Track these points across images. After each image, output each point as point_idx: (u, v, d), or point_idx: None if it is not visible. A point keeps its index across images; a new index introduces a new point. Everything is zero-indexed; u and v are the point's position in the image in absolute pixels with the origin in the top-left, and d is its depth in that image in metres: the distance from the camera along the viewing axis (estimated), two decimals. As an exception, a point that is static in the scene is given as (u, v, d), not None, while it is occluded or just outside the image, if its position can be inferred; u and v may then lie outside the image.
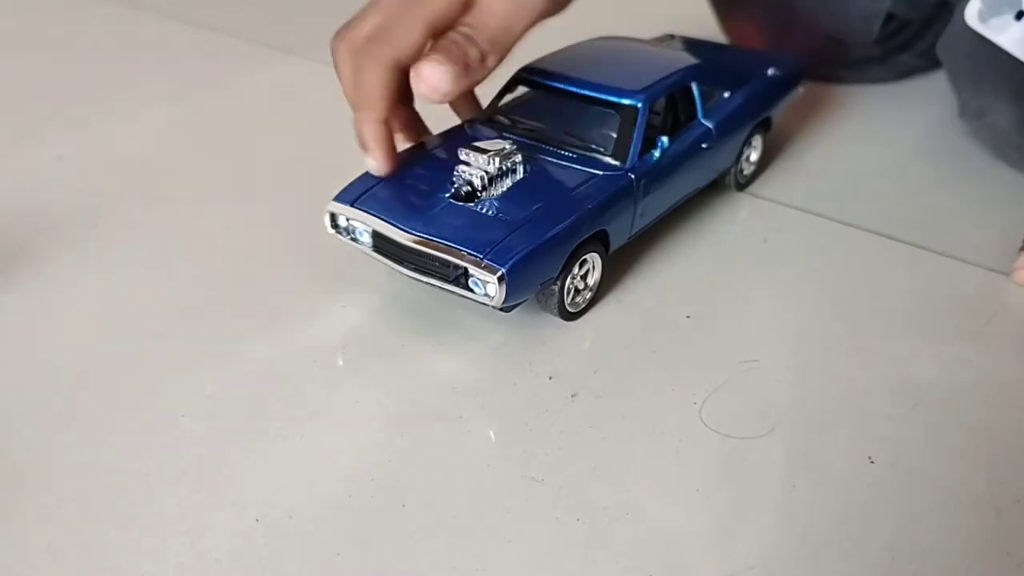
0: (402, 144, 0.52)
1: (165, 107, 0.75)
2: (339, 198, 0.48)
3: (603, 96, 0.51)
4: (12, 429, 0.43)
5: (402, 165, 0.50)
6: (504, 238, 0.44)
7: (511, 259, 0.43)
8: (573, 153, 0.51)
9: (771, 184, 0.63)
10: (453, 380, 0.46)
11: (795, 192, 0.62)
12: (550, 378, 0.46)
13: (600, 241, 0.49)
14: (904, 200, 0.61)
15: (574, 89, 0.52)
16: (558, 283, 0.47)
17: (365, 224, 0.47)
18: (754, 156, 0.62)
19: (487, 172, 0.47)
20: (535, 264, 0.45)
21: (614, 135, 0.51)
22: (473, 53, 0.45)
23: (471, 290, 0.45)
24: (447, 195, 0.47)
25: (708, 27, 0.78)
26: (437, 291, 0.47)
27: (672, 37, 0.68)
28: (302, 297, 0.52)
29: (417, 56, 0.46)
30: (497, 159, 0.47)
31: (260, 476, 0.40)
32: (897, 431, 0.43)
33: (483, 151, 0.47)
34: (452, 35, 0.46)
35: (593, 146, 0.51)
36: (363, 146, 0.48)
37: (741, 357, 0.47)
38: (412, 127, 0.53)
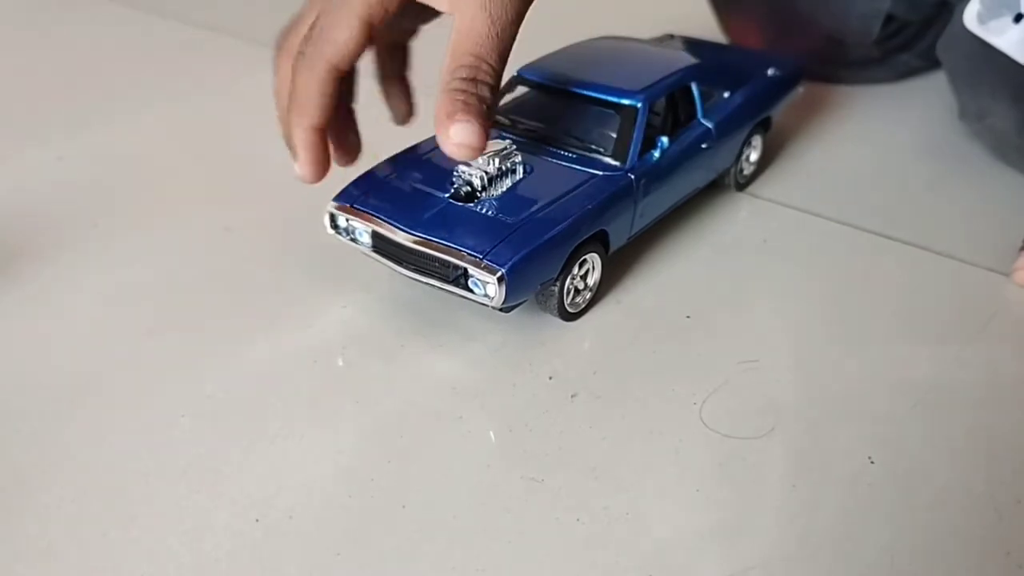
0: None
1: (165, 107, 0.75)
2: (339, 199, 0.48)
3: (603, 96, 0.51)
4: (12, 429, 0.43)
5: (402, 165, 0.50)
6: (504, 239, 0.44)
7: (511, 260, 0.43)
8: (573, 153, 0.51)
9: (771, 184, 0.63)
10: (453, 380, 0.46)
11: (795, 192, 0.62)
12: (550, 378, 0.46)
13: (600, 241, 0.49)
14: (904, 200, 0.61)
15: (574, 89, 0.52)
16: (558, 283, 0.47)
17: (365, 225, 0.47)
18: (754, 156, 0.62)
19: (487, 172, 0.47)
20: (535, 264, 0.45)
21: (614, 135, 0.51)
22: (485, 91, 0.43)
23: (471, 290, 0.45)
24: (447, 195, 0.47)
25: (708, 27, 0.78)
26: (437, 291, 0.47)
27: (672, 37, 0.68)
28: (302, 297, 0.52)
29: (355, 59, 0.44)
30: (497, 159, 0.47)
31: (260, 476, 0.40)
32: (897, 431, 0.43)
33: (482, 152, 0.47)
34: (455, 83, 0.43)
35: (593, 146, 0.51)
36: (292, 153, 0.46)
37: (741, 357, 0.47)
38: (344, 142, 0.50)
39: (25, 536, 0.38)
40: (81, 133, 0.70)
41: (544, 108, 0.53)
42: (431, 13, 0.46)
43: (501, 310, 0.46)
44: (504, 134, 0.52)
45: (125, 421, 0.43)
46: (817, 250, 0.56)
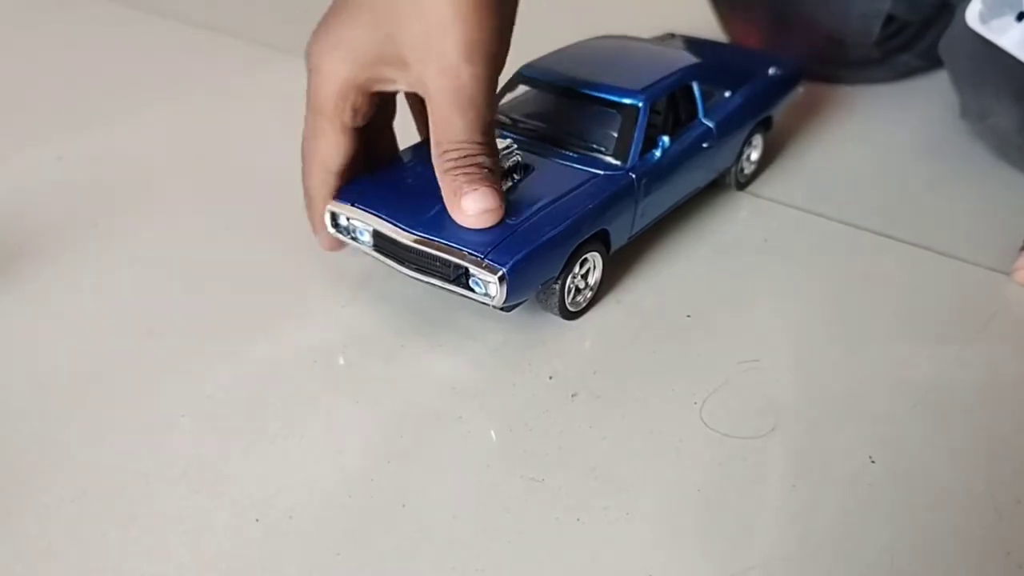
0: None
1: (165, 107, 0.75)
2: (340, 197, 0.48)
3: (604, 95, 0.51)
4: (12, 429, 0.43)
5: (403, 164, 0.50)
6: (505, 238, 0.44)
7: (512, 259, 0.43)
8: (574, 152, 0.51)
9: (771, 184, 0.63)
10: (453, 380, 0.46)
11: (795, 192, 0.62)
12: (550, 378, 0.46)
13: (601, 240, 0.49)
14: (904, 200, 0.61)
15: (575, 88, 0.52)
16: (559, 282, 0.47)
17: (366, 223, 0.47)
18: (755, 155, 0.62)
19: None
20: (536, 264, 0.45)
21: (615, 134, 0.51)
22: (480, 159, 0.44)
23: (472, 290, 0.44)
24: None
25: (708, 27, 0.78)
26: (437, 291, 0.47)
27: (672, 36, 0.68)
28: (302, 297, 0.52)
29: (345, 159, 0.47)
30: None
31: (260, 476, 0.40)
32: (897, 431, 0.43)
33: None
34: (447, 164, 0.43)
35: (594, 145, 0.51)
36: (312, 227, 0.50)
37: (741, 357, 0.47)
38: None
39: (25, 536, 0.38)
40: (81, 133, 0.70)
41: (545, 107, 0.53)
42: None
43: (502, 309, 0.46)
44: (505, 133, 0.52)
45: (125, 421, 0.43)
46: (817, 250, 0.56)
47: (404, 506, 0.39)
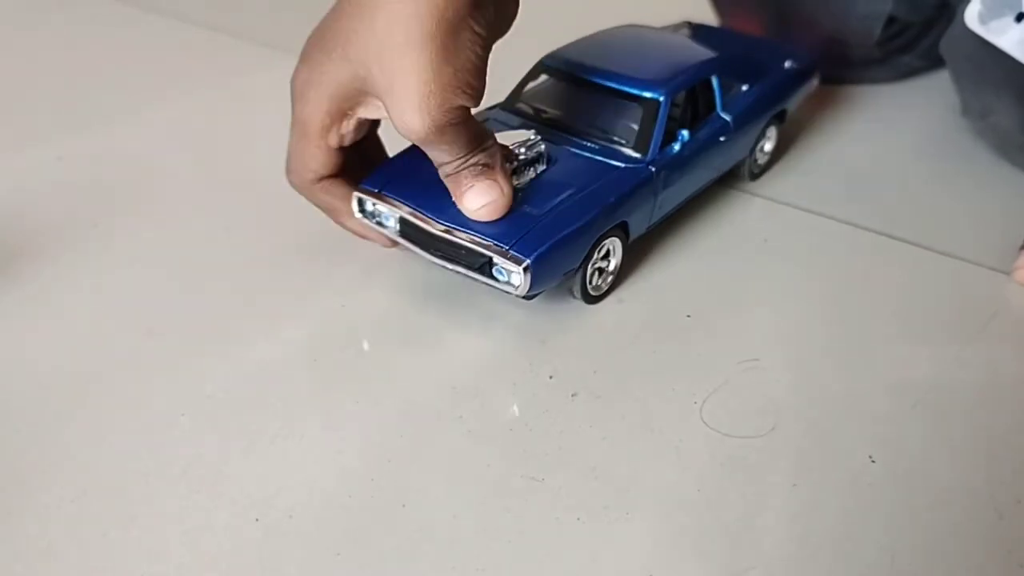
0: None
1: (165, 107, 0.75)
2: (367, 183, 0.49)
3: (626, 88, 0.51)
4: (12, 429, 0.43)
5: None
6: (529, 230, 0.45)
7: (536, 250, 0.44)
8: (595, 144, 0.51)
9: (772, 183, 0.63)
10: (453, 380, 0.46)
11: (796, 191, 0.62)
12: (550, 378, 0.46)
13: (621, 229, 0.50)
14: (905, 199, 0.61)
15: (597, 80, 0.52)
16: (580, 271, 0.48)
17: (392, 210, 0.47)
18: (768, 146, 0.63)
19: (512, 163, 0.47)
20: (559, 255, 0.45)
21: (636, 127, 0.51)
22: (476, 159, 0.44)
23: (495, 279, 0.45)
24: None
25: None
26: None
27: (688, 24, 0.68)
28: (302, 297, 0.52)
29: (334, 171, 0.48)
30: (522, 149, 0.47)
31: (260, 476, 0.40)
32: (897, 431, 0.43)
33: (508, 141, 0.47)
34: (444, 171, 0.44)
35: (615, 138, 0.51)
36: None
37: (741, 357, 0.47)
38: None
39: (25, 536, 0.38)
40: (81, 133, 0.70)
41: (567, 97, 0.54)
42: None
43: (524, 298, 0.46)
44: (528, 123, 0.52)
45: (125, 421, 0.43)
46: (818, 249, 0.56)
47: (404, 506, 0.39)
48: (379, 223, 0.49)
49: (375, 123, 0.51)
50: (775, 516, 0.39)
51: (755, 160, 0.62)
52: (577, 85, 0.53)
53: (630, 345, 0.48)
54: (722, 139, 0.56)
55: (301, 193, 0.49)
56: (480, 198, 0.45)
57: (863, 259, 0.56)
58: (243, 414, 0.44)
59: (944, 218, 0.59)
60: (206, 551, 0.37)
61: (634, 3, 0.83)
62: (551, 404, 0.44)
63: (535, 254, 0.44)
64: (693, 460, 0.41)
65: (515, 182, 0.47)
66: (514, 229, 0.45)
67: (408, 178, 0.48)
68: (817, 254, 0.56)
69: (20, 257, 0.55)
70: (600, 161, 0.50)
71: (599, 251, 0.49)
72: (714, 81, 0.55)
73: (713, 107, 0.56)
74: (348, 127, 0.46)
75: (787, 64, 0.63)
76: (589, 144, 0.51)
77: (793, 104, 0.64)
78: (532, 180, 0.48)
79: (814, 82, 0.66)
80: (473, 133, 0.44)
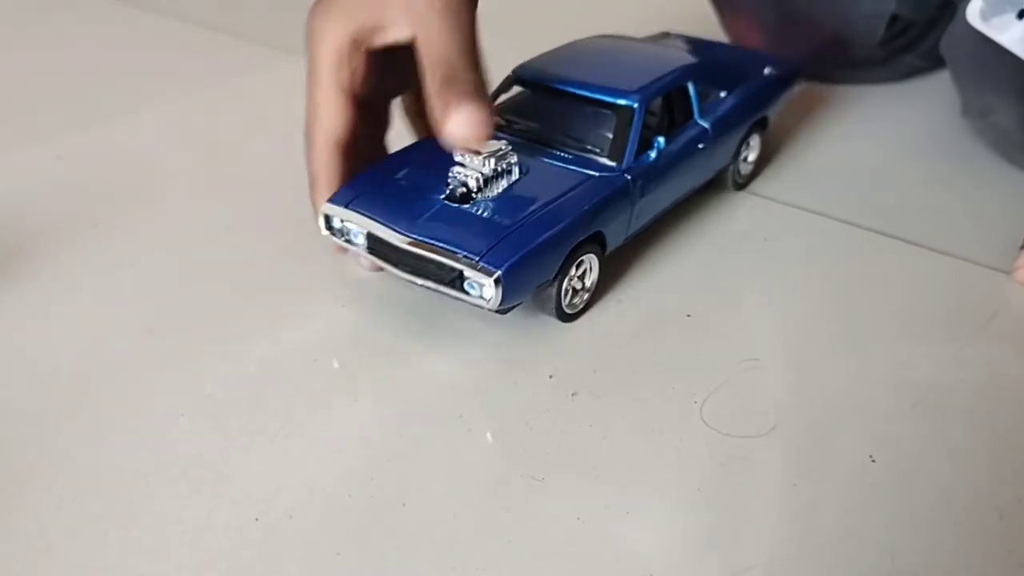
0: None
1: (165, 107, 0.75)
2: (334, 200, 0.48)
3: (599, 96, 0.51)
4: (12, 429, 0.43)
5: (397, 166, 0.50)
6: (500, 240, 0.44)
7: (507, 261, 0.43)
8: (569, 153, 0.51)
9: (771, 183, 0.63)
10: (453, 379, 0.46)
11: (795, 191, 0.62)
12: (550, 377, 0.46)
13: (597, 242, 0.49)
14: (905, 198, 0.61)
15: (569, 89, 0.52)
16: (555, 285, 0.47)
17: (359, 226, 0.47)
18: (752, 156, 0.62)
19: (482, 173, 0.46)
20: (531, 266, 0.44)
21: (610, 135, 0.51)
22: (472, 76, 0.44)
23: (467, 292, 0.44)
24: (442, 197, 0.47)
25: (709, 27, 0.78)
26: (434, 291, 0.47)
27: (667, 35, 0.68)
28: (302, 297, 0.52)
29: (349, 130, 0.48)
30: (492, 160, 0.46)
31: (260, 476, 0.40)
32: (897, 431, 0.43)
33: (478, 152, 0.46)
34: (437, 83, 0.44)
35: (589, 146, 0.51)
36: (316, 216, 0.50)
37: (741, 356, 0.47)
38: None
39: (25, 536, 0.38)
40: (81, 132, 0.70)
41: (539, 108, 0.53)
42: (405, 63, 0.47)
43: (497, 312, 0.46)
44: (499, 134, 0.51)
45: (125, 421, 0.43)
46: (818, 249, 0.56)
47: (404, 506, 0.39)
48: (348, 241, 0.48)
49: (382, 129, 0.51)
50: (775, 516, 0.39)
51: (738, 170, 0.61)
52: (550, 95, 0.52)
53: (630, 345, 0.48)
54: (701, 146, 0.55)
55: (318, 182, 0.49)
56: (469, 118, 0.43)
57: (863, 259, 0.56)
58: (243, 414, 0.44)
59: (944, 218, 0.59)
60: (206, 551, 0.37)
61: (634, 3, 0.83)
62: (551, 404, 0.44)
63: (506, 265, 0.43)
64: (693, 460, 0.41)
65: (487, 194, 0.47)
66: (485, 240, 0.44)
67: (375, 193, 0.48)
68: (817, 254, 0.56)
69: (20, 257, 0.55)
70: (574, 170, 0.49)
71: (576, 267, 0.48)
72: (690, 87, 0.54)
73: (690, 114, 0.55)
74: (361, 62, 0.46)
75: (767, 70, 0.62)
76: (563, 154, 0.50)
77: (775, 111, 0.63)
78: (504, 191, 0.47)
79: (796, 88, 0.65)
80: (476, 45, 0.44)
